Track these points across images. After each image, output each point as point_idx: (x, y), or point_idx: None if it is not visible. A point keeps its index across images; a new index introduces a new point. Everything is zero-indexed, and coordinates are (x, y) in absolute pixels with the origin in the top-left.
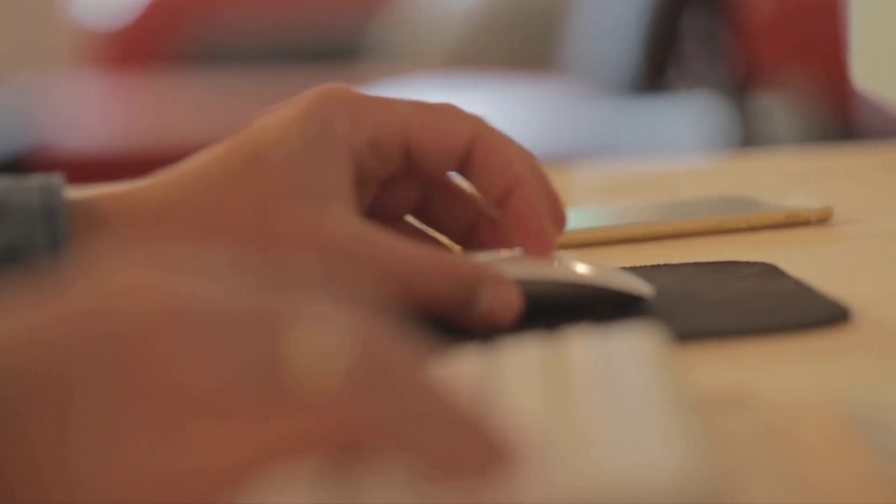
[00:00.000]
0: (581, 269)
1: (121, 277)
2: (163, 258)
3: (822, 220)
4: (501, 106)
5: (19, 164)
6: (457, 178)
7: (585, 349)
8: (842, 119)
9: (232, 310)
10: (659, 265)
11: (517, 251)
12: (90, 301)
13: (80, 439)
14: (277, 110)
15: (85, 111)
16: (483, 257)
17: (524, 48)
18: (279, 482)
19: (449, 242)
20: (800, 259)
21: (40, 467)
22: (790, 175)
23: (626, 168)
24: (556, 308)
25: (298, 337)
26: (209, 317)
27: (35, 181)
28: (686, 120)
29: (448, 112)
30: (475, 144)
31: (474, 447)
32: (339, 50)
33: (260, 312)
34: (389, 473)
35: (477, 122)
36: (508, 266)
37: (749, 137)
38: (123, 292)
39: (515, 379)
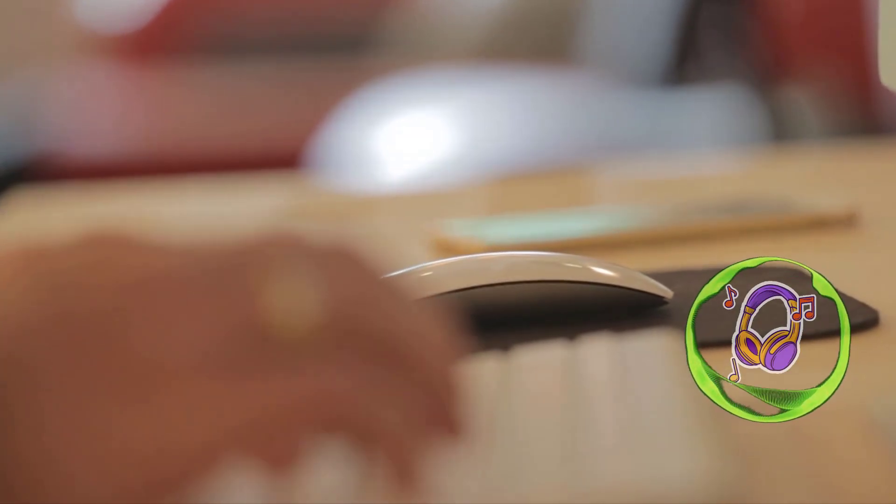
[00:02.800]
0: (602, 270)
1: (83, 253)
2: (125, 235)
3: (848, 221)
4: (524, 99)
5: (29, 169)
6: None
7: (606, 356)
8: (868, 114)
9: (198, 277)
10: (682, 271)
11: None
12: (52, 280)
13: (53, 419)
14: None
15: (95, 112)
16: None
17: (546, 40)
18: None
19: None
20: (826, 262)
21: (21, 451)
22: (817, 175)
23: (650, 168)
24: (578, 308)
25: (270, 304)
26: (176, 286)
27: None
28: (711, 113)
29: None
30: None
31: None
32: (358, 42)
33: (229, 281)
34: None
35: None
36: (527, 266)
37: (775, 131)
38: (86, 268)
39: (536, 386)
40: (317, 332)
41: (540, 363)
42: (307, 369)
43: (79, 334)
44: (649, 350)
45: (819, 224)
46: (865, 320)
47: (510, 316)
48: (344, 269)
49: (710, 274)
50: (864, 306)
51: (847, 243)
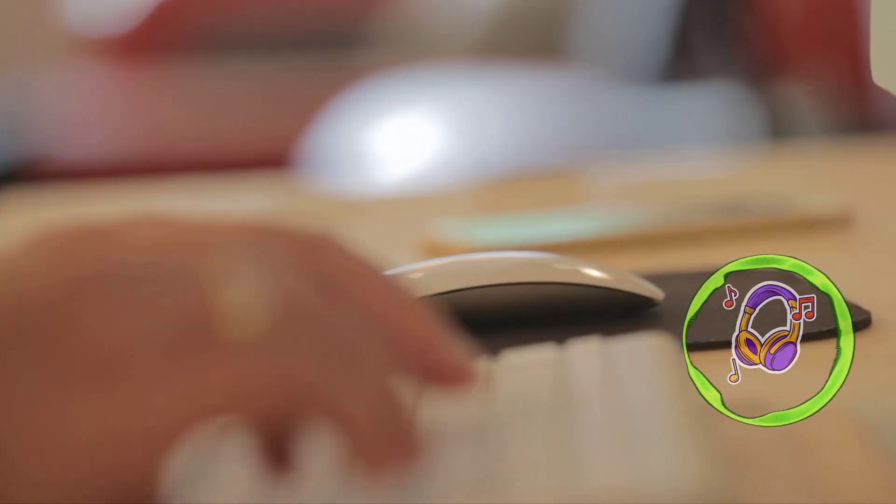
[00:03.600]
0: (593, 271)
1: (42, 247)
2: (88, 230)
3: (842, 222)
4: (518, 97)
5: (20, 171)
6: None
7: (595, 358)
8: (863, 111)
9: (153, 269)
10: (674, 273)
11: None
12: (9, 275)
13: (5, 409)
14: None
15: (85, 113)
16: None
17: (540, 38)
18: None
19: None
20: (819, 263)
21: None
22: (811, 175)
23: (644, 167)
24: (568, 310)
25: (220, 289)
26: (130, 279)
27: None
28: (706, 110)
29: None
30: None
31: (389, 424)
32: (349, 40)
33: (181, 270)
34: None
35: None
36: (517, 267)
37: (770, 129)
38: (44, 262)
39: (525, 388)
40: (273, 325)
41: (529, 366)
42: (262, 356)
43: (34, 325)
44: (639, 352)
45: (812, 224)
46: (857, 321)
47: (500, 318)
48: (325, 252)
49: (701, 276)
50: (856, 307)
51: (840, 244)
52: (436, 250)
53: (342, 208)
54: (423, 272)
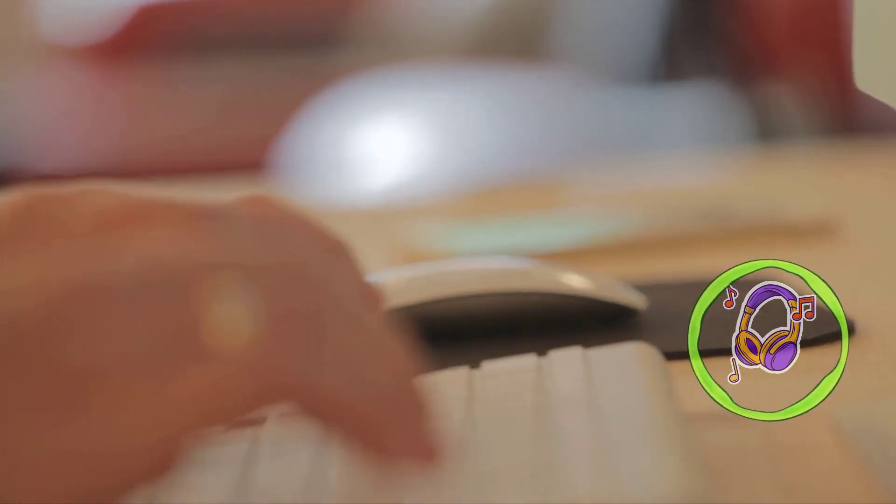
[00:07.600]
0: (574, 280)
1: (17, 265)
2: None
3: (827, 227)
4: (503, 99)
5: (2, 179)
6: None
7: (576, 368)
8: (849, 113)
9: (137, 280)
10: (657, 283)
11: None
12: None
13: None
14: None
15: (66, 121)
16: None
17: (526, 38)
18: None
19: None
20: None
21: None
22: (795, 179)
23: (629, 172)
24: (549, 319)
25: (208, 298)
26: (113, 292)
27: None
28: (693, 111)
29: None
30: None
31: (402, 411)
32: (330, 40)
33: (167, 281)
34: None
35: None
36: (496, 276)
37: (756, 130)
38: (24, 276)
39: (504, 400)
40: (263, 330)
41: (509, 377)
42: (250, 362)
43: (11, 345)
44: (620, 361)
45: (797, 231)
46: (839, 330)
47: (480, 327)
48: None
49: (683, 285)
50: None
51: (824, 250)
52: (416, 258)
53: (320, 213)
54: (401, 281)
